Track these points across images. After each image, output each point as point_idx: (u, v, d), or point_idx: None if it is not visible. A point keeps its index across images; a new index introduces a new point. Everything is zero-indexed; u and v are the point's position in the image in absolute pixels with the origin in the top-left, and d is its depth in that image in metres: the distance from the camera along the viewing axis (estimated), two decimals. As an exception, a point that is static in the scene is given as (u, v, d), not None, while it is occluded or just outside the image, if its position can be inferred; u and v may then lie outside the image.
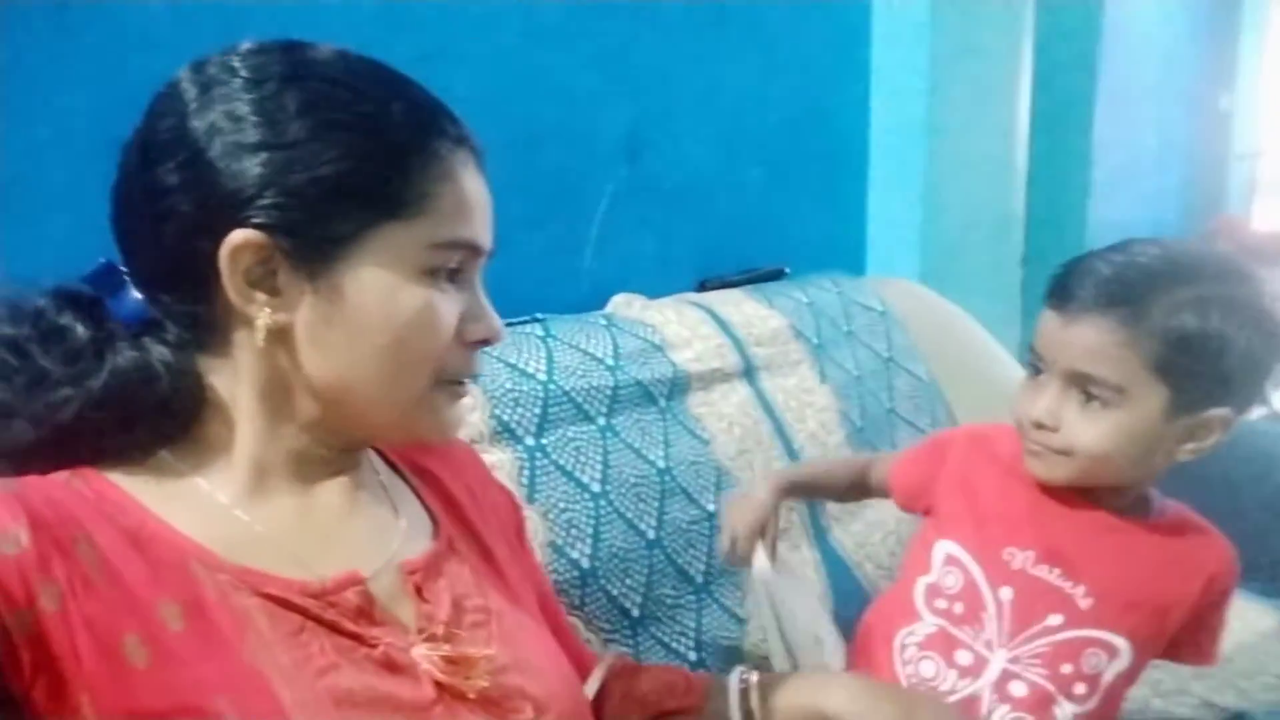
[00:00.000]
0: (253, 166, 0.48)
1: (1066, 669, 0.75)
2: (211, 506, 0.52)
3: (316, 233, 0.50)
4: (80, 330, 0.51)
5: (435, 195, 0.52)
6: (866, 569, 1.22)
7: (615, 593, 0.94)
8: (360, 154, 0.50)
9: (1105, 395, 0.72)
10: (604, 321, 1.13)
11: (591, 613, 0.91)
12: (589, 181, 1.28)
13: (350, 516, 0.57)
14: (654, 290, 1.29)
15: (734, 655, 1.01)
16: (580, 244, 1.28)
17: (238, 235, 0.49)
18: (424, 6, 1.05)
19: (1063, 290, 0.75)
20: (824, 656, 0.80)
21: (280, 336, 0.51)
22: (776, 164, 1.58)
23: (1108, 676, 0.76)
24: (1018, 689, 0.76)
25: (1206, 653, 0.82)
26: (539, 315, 1.07)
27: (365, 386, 0.53)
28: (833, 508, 1.23)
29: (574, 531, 0.93)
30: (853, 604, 1.04)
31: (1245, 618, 1.19)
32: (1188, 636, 0.80)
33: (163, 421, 0.52)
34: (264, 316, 0.50)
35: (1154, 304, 0.70)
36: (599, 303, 1.24)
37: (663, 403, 1.10)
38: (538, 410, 0.96)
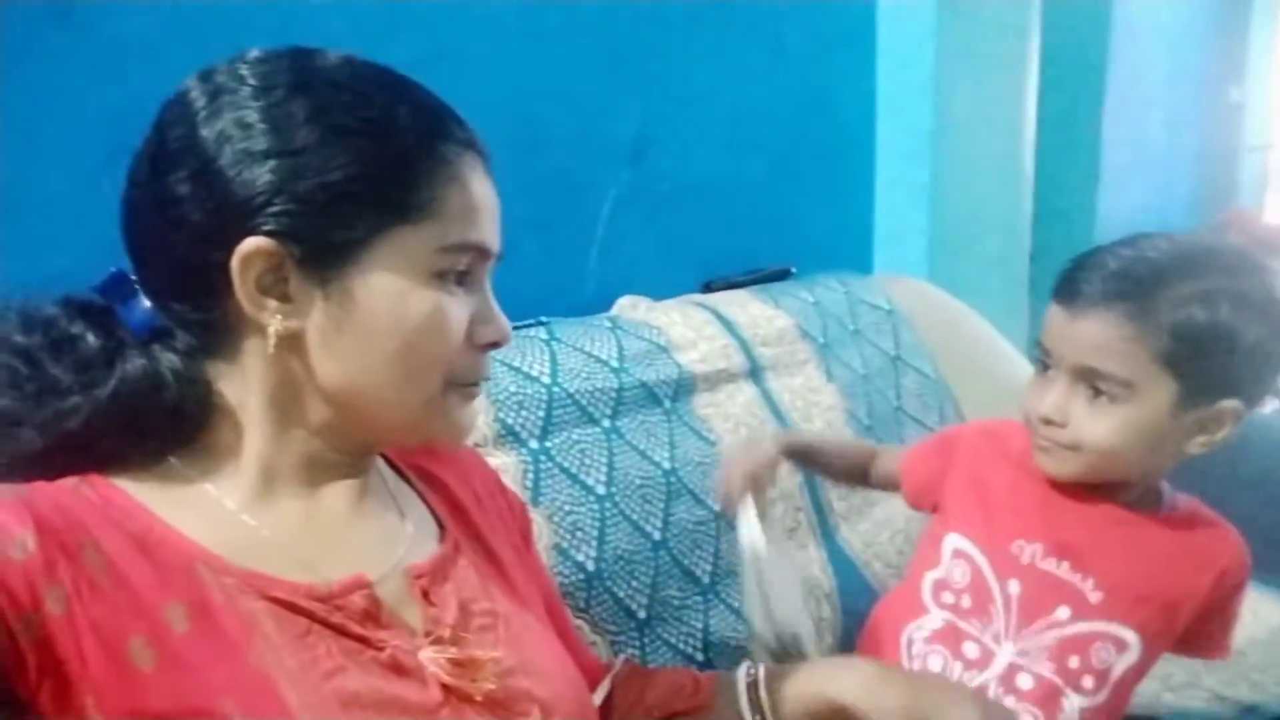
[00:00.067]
0: (262, 174, 0.49)
1: (1074, 662, 0.75)
2: (219, 511, 0.52)
3: (327, 238, 0.50)
4: (91, 339, 0.51)
5: (443, 199, 0.52)
6: (875, 568, 1.22)
7: (621, 595, 0.94)
8: (369, 159, 0.50)
9: (1113, 390, 0.72)
10: (608, 324, 1.13)
11: (598, 615, 0.91)
12: (593, 183, 1.28)
13: (357, 521, 0.57)
14: (659, 292, 1.29)
15: (741, 655, 1.00)
16: (585, 246, 1.28)
17: (249, 243, 0.49)
18: (426, 8, 1.05)
19: (1070, 285, 0.75)
20: (801, 637, 0.77)
21: (291, 342, 0.52)
22: (782, 163, 1.57)
23: (1117, 670, 0.76)
24: (1025, 682, 0.75)
25: (1219, 646, 0.81)
26: (543, 319, 1.07)
27: (377, 391, 0.53)
28: (840, 506, 1.23)
29: (579, 534, 0.93)
30: (861, 603, 1.03)
31: (1258, 611, 1.18)
32: (1199, 630, 0.80)
33: (171, 428, 0.52)
34: (275, 323, 0.51)
35: (1161, 298, 0.70)
36: (604, 305, 1.24)
37: (668, 404, 1.10)
38: (542, 413, 0.96)
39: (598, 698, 0.69)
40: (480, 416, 0.91)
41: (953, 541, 0.82)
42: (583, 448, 0.98)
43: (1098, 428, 0.73)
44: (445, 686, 0.53)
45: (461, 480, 0.68)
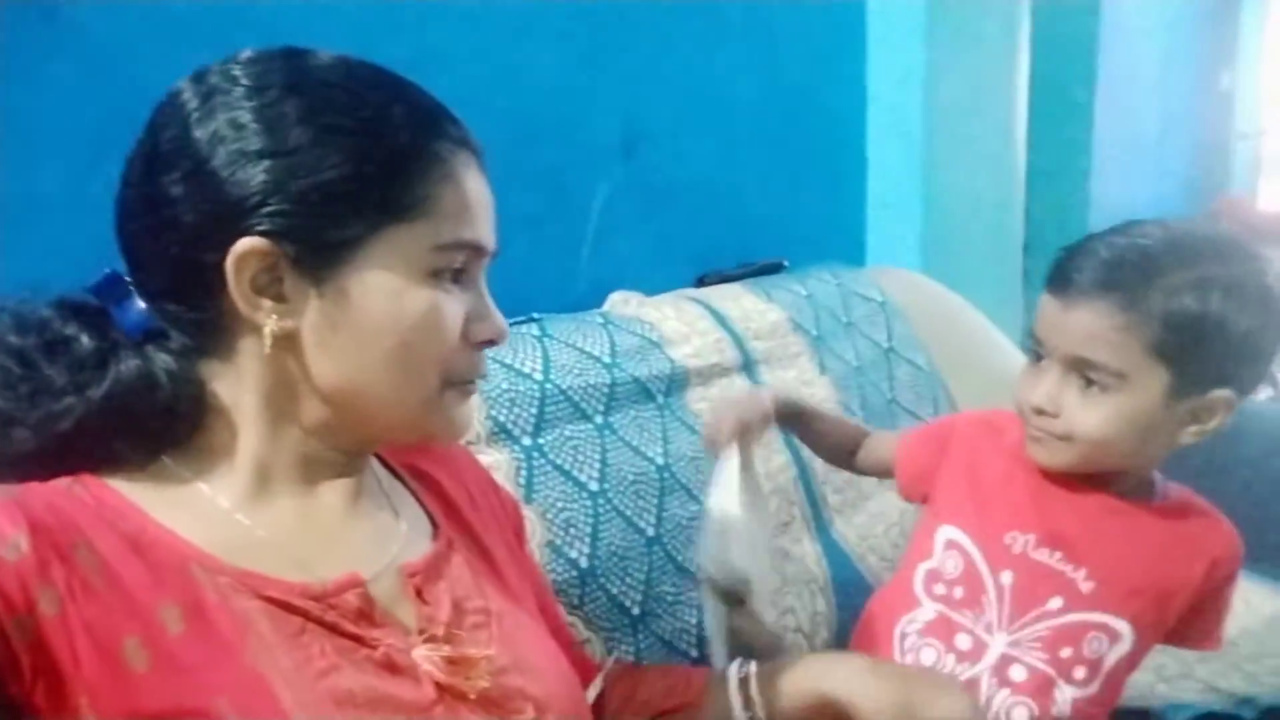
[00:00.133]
0: (256, 174, 0.49)
1: (1066, 653, 0.75)
2: (213, 511, 0.52)
3: (321, 238, 0.50)
4: (85, 340, 0.51)
5: (438, 197, 0.52)
6: (869, 561, 1.22)
7: (615, 591, 0.94)
8: (362, 158, 0.50)
9: (1105, 380, 0.72)
10: (601, 320, 1.13)
11: (591, 612, 0.91)
12: (584, 179, 1.28)
13: (351, 520, 0.57)
14: (652, 287, 1.29)
15: (737, 651, 1.01)
16: (577, 242, 1.28)
17: (243, 244, 0.49)
18: (415, 5, 1.05)
19: (1062, 275, 0.74)
20: (751, 583, 0.77)
21: (287, 342, 0.52)
22: (774, 156, 1.57)
23: (1109, 660, 0.76)
24: (1017, 673, 0.76)
25: (1211, 637, 0.81)
26: (535, 315, 1.07)
27: (373, 389, 0.53)
28: (834, 500, 1.23)
29: (572, 531, 0.93)
30: (856, 596, 1.03)
31: (1250, 601, 1.19)
32: (1192, 620, 0.80)
33: (165, 428, 0.52)
34: (271, 323, 0.51)
35: (1153, 287, 0.70)
36: (597, 301, 1.24)
37: (661, 399, 1.10)
38: (534, 410, 0.96)
39: (590, 696, 0.69)
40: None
41: (946, 533, 0.82)
42: (575, 444, 0.98)
43: (1090, 418, 0.73)
44: (439, 685, 0.53)
45: (454, 478, 0.68)
